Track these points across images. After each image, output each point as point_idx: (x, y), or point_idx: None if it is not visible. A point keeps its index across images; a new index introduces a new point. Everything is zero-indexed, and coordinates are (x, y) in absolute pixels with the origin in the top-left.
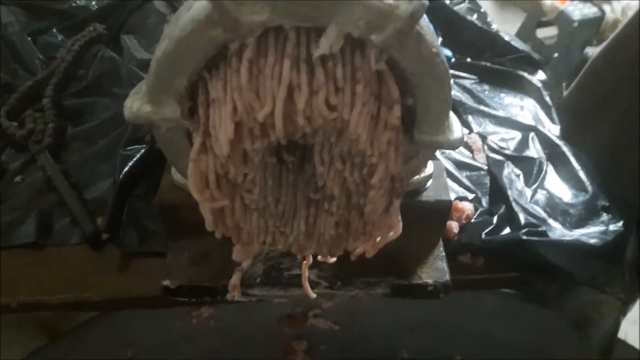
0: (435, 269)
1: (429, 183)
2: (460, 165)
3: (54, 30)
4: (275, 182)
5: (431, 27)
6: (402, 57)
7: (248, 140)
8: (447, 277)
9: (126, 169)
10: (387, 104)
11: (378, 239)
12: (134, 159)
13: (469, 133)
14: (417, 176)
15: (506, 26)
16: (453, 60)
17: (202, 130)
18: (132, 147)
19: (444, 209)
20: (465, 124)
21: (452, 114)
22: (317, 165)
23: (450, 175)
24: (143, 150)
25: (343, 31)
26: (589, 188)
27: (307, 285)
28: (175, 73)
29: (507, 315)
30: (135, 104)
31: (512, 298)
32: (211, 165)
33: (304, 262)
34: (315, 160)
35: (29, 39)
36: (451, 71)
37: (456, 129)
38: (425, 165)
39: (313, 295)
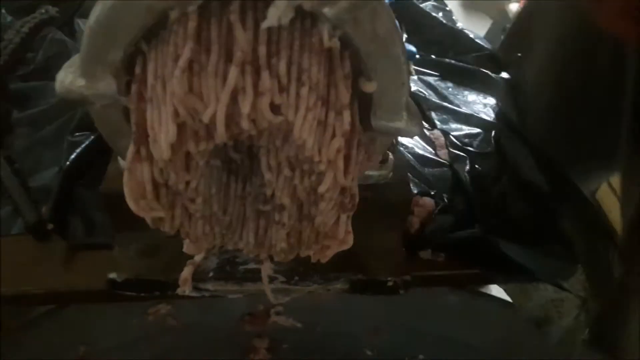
0: (395, 265)
1: (390, 177)
2: (422, 160)
3: (3, 11)
4: (221, 191)
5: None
6: (357, 34)
7: (192, 141)
8: (407, 273)
9: (73, 156)
10: (336, 109)
11: (329, 249)
12: (82, 146)
13: (432, 129)
14: (378, 171)
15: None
16: (417, 56)
17: (136, 134)
18: (81, 133)
19: (405, 204)
20: (429, 120)
21: (410, 102)
22: (264, 171)
23: (412, 170)
24: (92, 137)
25: (294, 2)
26: None
27: (268, 290)
28: (109, 44)
29: (469, 315)
30: (68, 78)
31: (473, 297)
32: (147, 173)
33: (262, 266)
34: (262, 166)
35: None
36: (415, 67)
37: (414, 117)
38: (381, 154)
39: (274, 300)
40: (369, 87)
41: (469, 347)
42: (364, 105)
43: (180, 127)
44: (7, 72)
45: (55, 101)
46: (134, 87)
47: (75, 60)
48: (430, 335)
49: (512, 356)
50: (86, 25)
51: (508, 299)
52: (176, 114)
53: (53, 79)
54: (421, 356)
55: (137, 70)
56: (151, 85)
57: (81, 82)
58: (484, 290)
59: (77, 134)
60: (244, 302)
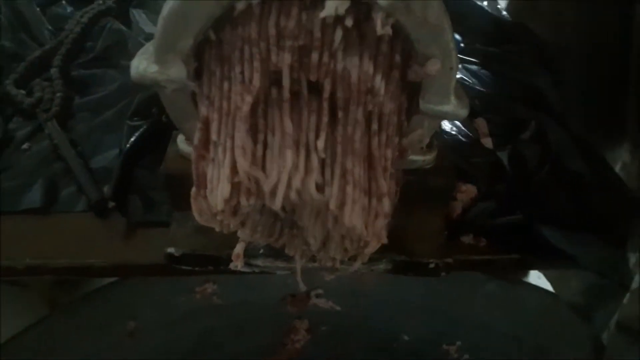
0: (437, 248)
1: (434, 163)
2: (466, 148)
3: (63, 2)
4: (266, 230)
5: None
6: (408, 21)
7: (244, 196)
8: (449, 256)
9: (132, 139)
10: (377, 196)
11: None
12: (141, 130)
13: (476, 117)
14: (423, 156)
15: None
16: (462, 45)
17: (196, 182)
18: (139, 118)
19: (448, 190)
20: (473, 108)
21: (458, 86)
22: (309, 238)
23: (456, 157)
24: (150, 122)
25: None
26: None
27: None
28: (180, 32)
29: (508, 304)
30: (142, 64)
31: (512, 286)
32: (205, 205)
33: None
34: (307, 235)
35: (38, 9)
36: (460, 56)
37: (462, 100)
38: (429, 137)
39: (303, 287)
40: (433, 65)
41: (506, 336)
42: (413, 89)
43: (235, 184)
44: (69, 60)
45: (115, 87)
46: (196, 137)
47: (148, 48)
48: (468, 323)
49: (552, 346)
50: (160, 16)
51: (549, 287)
52: (233, 174)
53: (111, 66)
54: (458, 342)
55: (206, 57)
56: (213, 144)
57: (154, 68)
58: (524, 279)
59: (136, 118)
60: (286, 283)
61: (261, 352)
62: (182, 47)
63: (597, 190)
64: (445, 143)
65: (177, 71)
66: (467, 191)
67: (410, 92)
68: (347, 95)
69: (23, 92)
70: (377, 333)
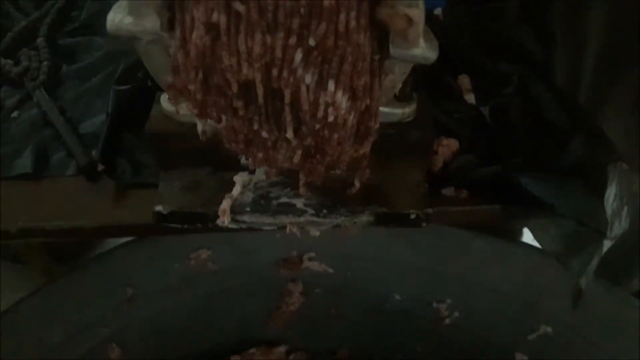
0: (418, 200)
1: (414, 116)
2: (447, 102)
3: None
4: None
5: None
6: None
7: None
8: (429, 206)
9: (119, 103)
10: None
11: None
12: (127, 94)
13: (459, 74)
14: (402, 109)
15: None
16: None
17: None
18: (125, 83)
19: (427, 142)
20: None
21: (428, 29)
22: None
23: (438, 112)
24: (136, 85)
25: None
26: None
27: None
28: None
29: (495, 260)
30: (117, 17)
31: (499, 242)
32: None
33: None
34: None
35: None
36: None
37: (431, 43)
38: (400, 82)
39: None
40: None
41: (495, 292)
42: (382, 33)
43: None
44: (55, 29)
45: (101, 54)
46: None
47: (123, 1)
48: (458, 281)
49: (540, 300)
50: None
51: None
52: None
53: (97, 34)
54: (449, 300)
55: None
56: None
57: (129, 19)
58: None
59: (122, 84)
60: (278, 247)
61: (257, 316)
62: None
63: (576, 140)
64: (425, 97)
65: (151, 22)
66: (448, 145)
67: (380, 38)
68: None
69: (10, 61)
70: (370, 294)
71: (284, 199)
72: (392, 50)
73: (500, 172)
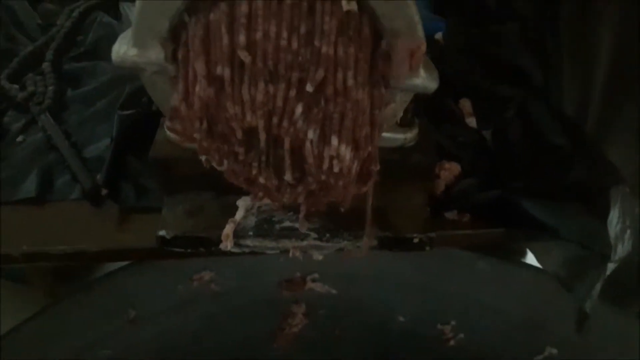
0: (421, 224)
1: (416, 141)
2: (449, 126)
3: None
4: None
5: None
6: None
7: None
8: (432, 230)
9: (123, 128)
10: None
11: None
12: (131, 119)
13: (460, 98)
14: (404, 134)
15: None
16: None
17: None
18: (129, 108)
19: (429, 166)
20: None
21: (427, 59)
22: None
23: (440, 136)
24: (140, 110)
25: None
26: None
27: None
28: (157, 15)
29: (499, 282)
30: (122, 48)
31: (502, 264)
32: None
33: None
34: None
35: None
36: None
37: (431, 74)
38: (402, 111)
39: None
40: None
41: (500, 313)
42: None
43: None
44: (61, 54)
45: (106, 79)
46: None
47: (128, 32)
48: (462, 302)
49: (544, 321)
50: (136, 1)
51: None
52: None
53: (102, 59)
54: (453, 322)
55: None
56: None
57: (134, 51)
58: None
59: (126, 109)
60: (281, 269)
61: (260, 338)
62: (158, 30)
63: (579, 163)
64: (427, 122)
65: (155, 53)
66: (450, 169)
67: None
68: None
69: (16, 86)
70: (374, 315)
71: (286, 223)
72: (393, 80)
73: (503, 196)
